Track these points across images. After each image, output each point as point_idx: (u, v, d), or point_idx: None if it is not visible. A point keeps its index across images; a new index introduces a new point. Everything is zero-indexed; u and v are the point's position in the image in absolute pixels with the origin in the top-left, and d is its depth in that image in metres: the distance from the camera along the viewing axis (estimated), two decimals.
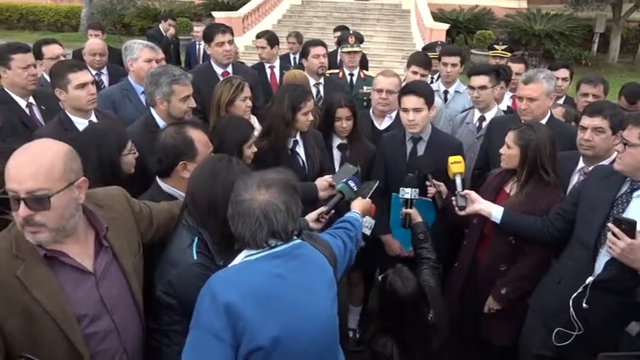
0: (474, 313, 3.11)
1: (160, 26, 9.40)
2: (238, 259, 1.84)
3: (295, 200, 1.82)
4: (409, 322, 2.35)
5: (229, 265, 1.85)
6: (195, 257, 2.04)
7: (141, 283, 2.08)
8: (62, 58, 4.37)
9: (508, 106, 4.57)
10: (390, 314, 2.37)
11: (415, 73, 4.44)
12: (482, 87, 3.98)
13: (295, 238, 1.90)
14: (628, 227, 2.31)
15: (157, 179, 2.57)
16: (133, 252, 2.08)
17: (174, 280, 2.03)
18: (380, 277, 2.46)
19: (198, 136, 2.54)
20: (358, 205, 2.67)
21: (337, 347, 2.05)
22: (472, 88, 4.03)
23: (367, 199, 2.74)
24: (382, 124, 4.04)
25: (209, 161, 2.23)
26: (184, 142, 2.48)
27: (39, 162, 1.69)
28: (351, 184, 2.79)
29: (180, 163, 2.47)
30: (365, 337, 2.35)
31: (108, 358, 1.91)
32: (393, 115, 4.00)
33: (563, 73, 4.76)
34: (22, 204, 1.66)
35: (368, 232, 3.01)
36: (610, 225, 2.39)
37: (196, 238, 2.08)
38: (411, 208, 3.02)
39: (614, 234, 2.35)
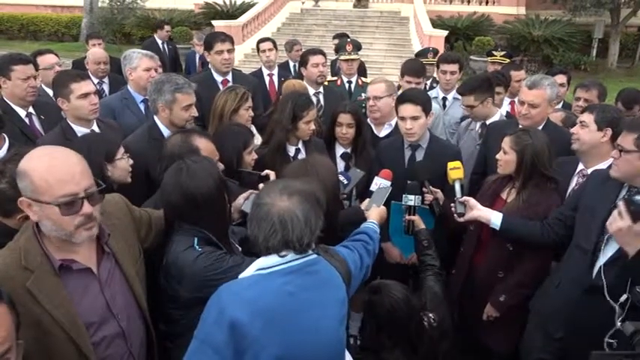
0: (473, 320, 3.11)
1: (156, 35, 9.35)
2: (251, 270, 1.81)
3: (316, 212, 1.77)
4: (413, 333, 2.32)
5: (241, 277, 1.83)
6: (199, 249, 2.05)
7: (144, 289, 2.10)
8: (57, 68, 4.41)
9: (507, 112, 4.59)
10: (382, 328, 2.34)
11: (409, 82, 4.47)
12: (470, 106, 3.96)
13: (311, 252, 1.84)
14: (636, 211, 2.19)
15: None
16: (135, 257, 2.10)
17: (184, 278, 2.03)
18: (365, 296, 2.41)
19: (204, 145, 2.55)
20: (374, 214, 2.62)
21: None
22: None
23: (382, 206, 2.72)
24: (382, 132, 4.05)
25: (172, 170, 2.21)
26: (190, 150, 2.48)
27: (77, 162, 1.79)
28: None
29: None
30: (370, 347, 2.32)
31: None
32: (393, 122, 4.00)
33: (561, 78, 4.79)
34: (85, 202, 1.76)
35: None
36: (620, 202, 2.28)
37: (195, 238, 2.08)
38: (414, 214, 3.02)
39: (619, 212, 2.25)
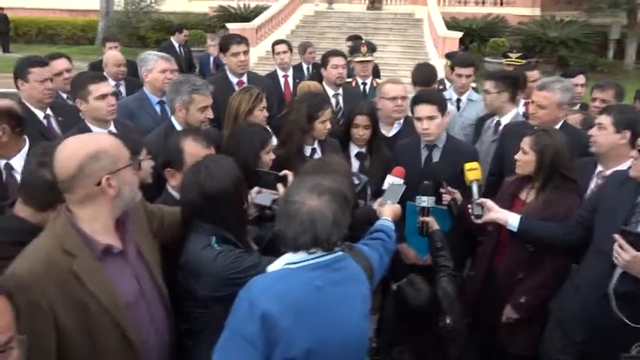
0: (491, 322, 3.07)
1: (172, 39, 9.50)
2: (279, 264, 1.84)
3: (344, 212, 1.80)
4: (424, 331, 2.34)
5: (269, 270, 1.85)
6: (218, 248, 2.06)
7: (163, 280, 2.11)
8: (66, 75, 4.42)
9: (523, 112, 4.55)
10: (404, 324, 2.36)
11: None
12: (487, 91, 4.05)
13: (337, 249, 1.87)
14: (635, 240, 2.31)
15: (167, 186, 2.64)
16: (151, 248, 2.12)
17: (203, 276, 2.04)
18: (394, 287, 2.45)
19: (191, 149, 2.56)
20: (389, 211, 2.63)
21: None
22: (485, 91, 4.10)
23: (397, 204, 2.72)
24: (390, 132, 4.03)
25: (192, 169, 2.27)
26: (174, 150, 2.55)
27: None
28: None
29: (167, 170, 2.55)
30: (382, 346, 2.33)
31: (147, 346, 1.95)
32: (401, 122, 4.02)
33: (581, 79, 4.75)
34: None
35: None
36: (616, 236, 2.38)
37: (213, 237, 2.10)
38: (427, 216, 3.01)
39: (620, 245, 2.35)
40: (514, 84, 4.06)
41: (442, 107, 3.33)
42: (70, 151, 1.79)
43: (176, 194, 2.55)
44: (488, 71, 13.30)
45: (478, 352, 3.17)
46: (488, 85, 4.04)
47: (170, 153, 2.57)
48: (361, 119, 3.49)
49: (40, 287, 1.68)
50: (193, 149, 2.56)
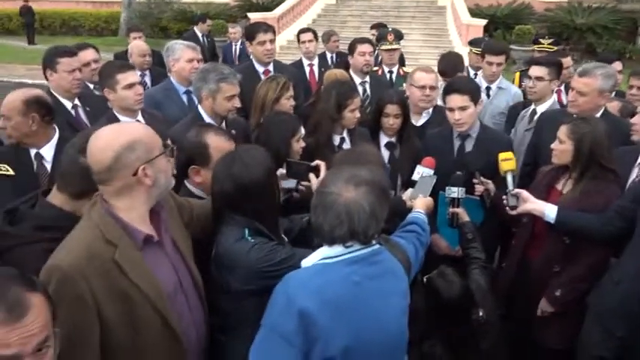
0: (525, 315, 3.01)
1: (196, 28, 9.50)
2: (315, 258, 1.79)
3: (381, 204, 1.74)
4: (455, 324, 2.29)
5: (305, 265, 1.81)
6: (252, 241, 2.03)
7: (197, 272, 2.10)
8: (93, 65, 4.41)
9: (554, 100, 4.45)
10: (435, 316, 2.32)
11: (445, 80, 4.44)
12: (539, 78, 3.90)
13: (374, 242, 1.82)
14: None
15: (185, 182, 2.55)
16: (185, 239, 2.10)
17: (237, 269, 2.01)
18: (424, 279, 2.41)
19: (216, 143, 2.48)
20: (421, 204, 2.56)
21: (404, 357, 1.99)
22: (529, 77, 3.96)
23: (429, 197, 2.66)
24: (419, 121, 3.96)
25: (224, 159, 2.22)
26: (198, 146, 2.45)
27: None
28: None
29: (192, 167, 2.45)
30: (412, 338, 2.29)
31: (188, 337, 1.94)
32: (430, 110, 3.96)
33: (618, 65, 4.62)
34: None
35: None
36: None
37: (246, 229, 2.06)
38: (458, 207, 2.94)
39: None
40: (559, 71, 3.98)
41: (475, 96, 3.24)
42: (105, 143, 1.76)
43: (197, 191, 2.50)
44: (513, 59, 13.10)
45: (510, 345, 3.10)
46: (540, 72, 3.89)
47: (193, 149, 2.45)
48: (392, 108, 3.42)
49: (85, 279, 1.67)
50: (219, 143, 2.48)
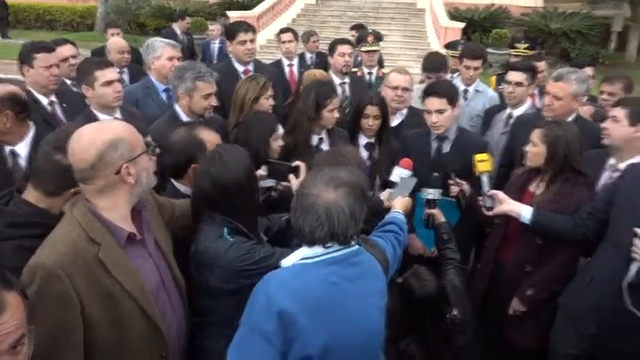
0: (498, 315, 3.06)
1: (174, 26, 9.40)
2: (295, 258, 1.81)
3: (361, 205, 1.77)
4: (429, 322, 2.33)
5: (285, 265, 1.82)
6: (231, 239, 2.03)
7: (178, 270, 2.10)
8: (72, 61, 4.36)
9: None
10: (409, 315, 2.35)
11: (429, 78, 4.50)
12: (519, 84, 3.98)
13: (353, 243, 1.84)
14: None
15: (172, 181, 2.56)
16: (166, 236, 2.10)
17: (216, 267, 2.02)
18: (399, 279, 2.44)
19: (210, 138, 2.51)
20: (400, 204, 2.60)
21: (380, 356, 2.02)
22: (508, 82, 4.03)
23: (407, 197, 2.69)
24: (393, 122, 4.00)
25: (205, 158, 2.24)
26: (196, 144, 2.46)
27: None
28: None
29: (192, 166, 2.45)
30: (388, 337, 2.32)
31: (171, 334, 1.95)
32: (404, 112, 4.00)
33: (589, 71, 4.71)
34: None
35: None
36: (637, 230, 2.35)
37: (225, 228, 2.07)
38: (434, 208, 2.98)
39: None
40: (535, 76, 4.08)
41: (452, 100, 3.30)
42: (88, 141, 1.75)
43: (183, 188, 2.51)
44: (490, 63, 13.26)
45: (484, 345, 3.16)
46: (520, 77, 3.97)
47: (192, 148, 2.44)
48: (371, 109, 3.46)
49: (69, 277, 1.67)
50: (212, 138, 2.51)
